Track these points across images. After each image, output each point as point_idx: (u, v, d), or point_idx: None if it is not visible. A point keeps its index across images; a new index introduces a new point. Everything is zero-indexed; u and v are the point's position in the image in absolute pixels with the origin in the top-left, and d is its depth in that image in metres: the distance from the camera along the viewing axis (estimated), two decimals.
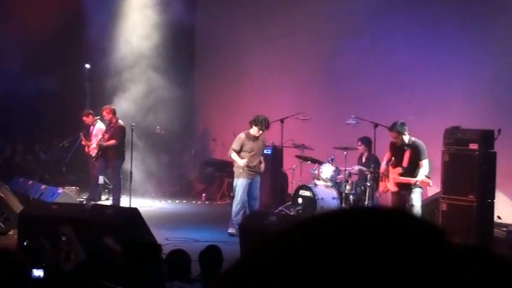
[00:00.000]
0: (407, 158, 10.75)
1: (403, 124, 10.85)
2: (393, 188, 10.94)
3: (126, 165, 14.22)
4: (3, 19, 16.67)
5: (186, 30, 17.96)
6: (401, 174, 10.84)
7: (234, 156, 12.16)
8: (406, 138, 10.82)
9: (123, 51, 16.91)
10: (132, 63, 16.81)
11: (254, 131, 12.15)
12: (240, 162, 12.05)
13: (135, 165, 14.43)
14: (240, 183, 12.18)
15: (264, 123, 12.08)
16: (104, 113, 14.46)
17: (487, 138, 11.34)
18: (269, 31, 16.84)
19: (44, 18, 16.47)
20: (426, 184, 10.82)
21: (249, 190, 12.25)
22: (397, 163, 10.93)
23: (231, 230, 11.95)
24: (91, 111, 15.20)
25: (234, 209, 12.15)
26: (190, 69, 18.86)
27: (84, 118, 15.00)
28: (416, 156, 10.75)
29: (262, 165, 12.45)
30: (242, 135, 12.29)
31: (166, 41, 17.12)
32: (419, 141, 10.88)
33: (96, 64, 17.67)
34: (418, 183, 10.67)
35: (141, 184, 16.00)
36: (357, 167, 12.95)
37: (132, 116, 15.21)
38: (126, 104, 15.81)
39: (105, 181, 14.98)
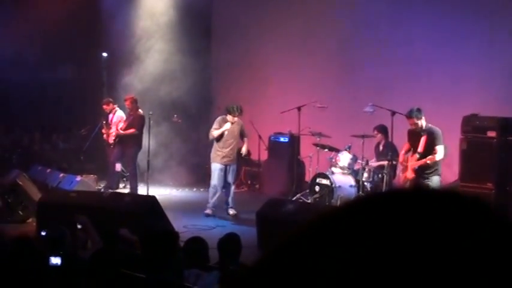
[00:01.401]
0: (424, 143, 10.66)
1: (419, 110, 10.78)
2: (410, 175, 10.87)
3: (144, 153, 14.26)
4: (21, 9, 16.72)
5: (205, 20, 17.92)
6: (418, 160, 10.78)
7: (215, 132, 12.76)
8: (423, 123, 10.74)
9: (139, 35, 16.94)
10: (149, 54, 16.81)
11: (229, 118, 12.70)
12: (225, 127, 12.67)
13: (152, 153, 14.48)
14: (213, 168, 12.88)
15: (235, 110, 12.65)
16: (127, 102, 14.54)
17: (505, 125, 11.27)
18: (286, 19, 16.79)
19: (61, 7, 16.52)
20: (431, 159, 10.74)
21: (225, 176, 12.82)
22: (414, 150, 10.87)
23: (206, 211, 12.71)
24: (111, 99, 15.25)
25: (209, 193, 12.92)
26: (207, 56, 18.82)
27: (104, 106, 15.05)
28: (431, 142, 10.66)
29: (244, 148, 13.11)
30: (219, 118, 12.95)
31: (183, 31, 17.08)
32: (435, 127, 10.79)
33: (114, 52, 17.68)
34: (429, 161, 10.61)
35: (159, 172, 16.04)
36: (375, 164, 12.88)
37: (149, 106, 15.20)
38: (141, 91, 15.86)
39: (122, 169, 15.04)
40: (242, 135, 12.99)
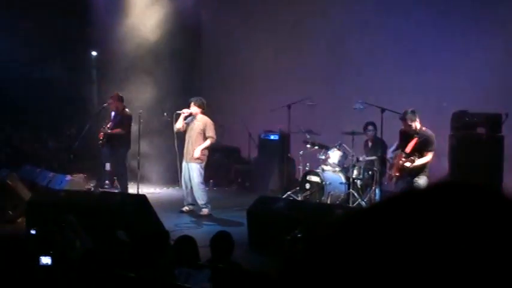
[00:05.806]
0: (412, 145, 10.68)
1: (413, 112, 10.78)
2: (395, 173, 10.89)
3: (134, 152, 14.17)
4: (11, 7, 16.64)
5: (193, 18, 17.81)
6: (404, 159, 10.78)
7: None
8: (417, 125, 10.73)
9: (129, 38, 16.84)
10: (138, 52, 16.73)
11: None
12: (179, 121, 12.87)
13: (142, 152, 14.40)
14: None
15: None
16: (111, 100, 14.23)
17: (494, 121, 11.31)
18: (276, 17, 16.80)
19: (51, 5, 16.47)
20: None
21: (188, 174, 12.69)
22: (402, 150, 10.88)
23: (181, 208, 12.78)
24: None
25: None
26: (197, 55, 18.80)
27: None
28: (422, 146, 10.67)
29: (196, 150, 12.62)
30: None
31: (172, 29, 16.97)
32: (429, 132, 10.78)
33: (103, 51, 17.63)
34: (410, 164, 10.62)
35: (149, 171, 16.00)
36: (366, 158, 12.87)
37: (139, 104, 15.09)
38: (133, 93, 15.74)
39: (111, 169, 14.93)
40: (205, 134, 12.66)
